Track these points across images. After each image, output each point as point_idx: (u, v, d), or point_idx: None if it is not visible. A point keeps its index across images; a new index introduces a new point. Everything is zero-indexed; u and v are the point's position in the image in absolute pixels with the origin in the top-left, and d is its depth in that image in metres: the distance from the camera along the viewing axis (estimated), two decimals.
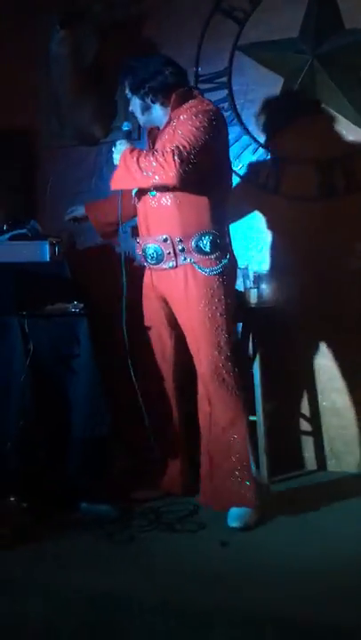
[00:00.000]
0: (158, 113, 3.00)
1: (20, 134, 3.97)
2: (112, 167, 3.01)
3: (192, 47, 3.65)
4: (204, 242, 2.90)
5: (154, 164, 2.78)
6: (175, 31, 3.70)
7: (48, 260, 3.20)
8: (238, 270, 3.39)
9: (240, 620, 2.15)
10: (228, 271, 2.96)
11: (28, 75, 3.96)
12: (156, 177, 2.78)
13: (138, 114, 3.05)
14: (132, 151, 2.88)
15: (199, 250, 2.91)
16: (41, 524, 2.81)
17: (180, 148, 2.74)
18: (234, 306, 3.02)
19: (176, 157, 2.72)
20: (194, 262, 2.92)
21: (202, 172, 2.81)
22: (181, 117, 2.88)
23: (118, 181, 2.94)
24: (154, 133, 3.08)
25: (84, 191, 3.90)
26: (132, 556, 2.61)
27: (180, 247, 2.92)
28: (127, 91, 3.03)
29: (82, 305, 3.05)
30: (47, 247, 3.20)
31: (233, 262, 3.00)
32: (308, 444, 3.61)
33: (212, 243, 2.90)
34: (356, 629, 2.06)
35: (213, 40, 3.62)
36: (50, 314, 3.03)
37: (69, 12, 3.60)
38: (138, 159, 2.83)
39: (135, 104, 3.03)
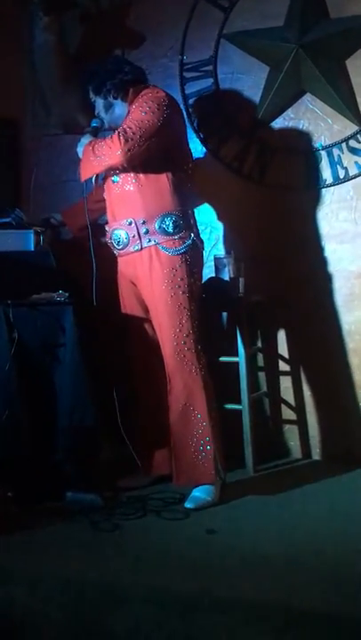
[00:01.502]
0: (120, 109, 3.14)
1: (4, 123, 3.94)
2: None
3: (177, 35, 3.64)
4: (167, 223, 3.01)
5: (104, 147, 2.95)
6: (160, 19, 3.69)
7: (33, 249, 3.19)
8: (225, 259, 3.42)
9: (226, 607, 2.16)
10: (192, 252, 3.07)
11: (12, 62, 3.92)
12: (107, 159, 2.94)
13: (102, 114, 3.19)
14: (90, 143, 3.03)
15: (162, 231, 3.02)
16: (26, 512, 2.82)
17: (126, 129, 2.91)
18: (198, 285, 3.10)
19: (121, 137, 2.89)
20: (158, 243, 3.03)
21: (154, 153, 2.96)
22: (134, 106, 3.02)
23: (83, 172, 3.07)
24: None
25: (70, 180, 3.88)
26: (117, 544, 2.62)
27: (144, 229, 3.02)
28: (91, 94, 3.17)
29: (67, 294, 3.04)
30: (32, 236, 3.20)
31: (197, 243, 3.11)
32: (293, 433, 3.63)
33: (174, 223, 3.02)
34: (342, 615, 2.07)
35: (198, 28, 3.61)
36: (35, 303, 3.02)
37: None
38: (93, 147, 2.99)
39: (99, 105, 3.18)
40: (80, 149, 3.09)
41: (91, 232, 3.21)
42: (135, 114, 2.96)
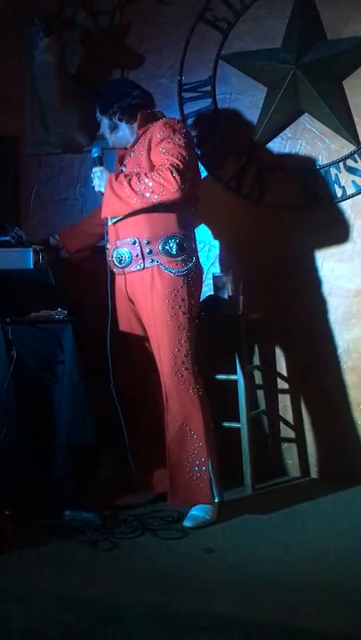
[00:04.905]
0: (125, 132, 3.19)
1: (4, 141, 3.97)
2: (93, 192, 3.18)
3: (176, 56, 3.68)
4: (171, 244, 3.03)
5: (150, 184, 2.92)
6: (159, 40, 3.73)
7: (32, 267, 3.20)
8: (224, 278, 3.44)
9: (225, 625, 2.15)
10: (194, 274, 3.08)
11: (13, 82, 3.96)
12: (156, 196, 2.92)
13: (107, 134, 3.25)
14: (117, 177, 3.01)
15: (166, 252, 3.03)
16: (24, 530, 2.80)
17: (175, 165, 2.90)
18: (197, 307, 3.11)
19: (175, 174, 2.88)
20: (160, 264, 3.03)
21: None
22: (158, 135, 3.03)
23: (110, 210, 3.06)
24: (120, 152, 3.24)
25: (69, 198, 3.91)
26: (115, 563, 2.61)
27: (148, 249, 3.03)
28: (98, 113, 3.23)
29: (66, 312, 3.05)
30: (31, 254, 3.20)
31: (198, 266, 3.13)
32: (291, 452, 3.62)
33: (178, 245, 3.04)
34: (341, 634, 2.07)
35: (197, 49, 3.65)
36: (34, 320, 3.03)
37: (54, 20, 3.61)
38: (130, 184, 2.96)
39: (104, 124, 3.23)
40: (101, 183, 3.05)
41: (90, 254, 3.23)
42: (170, 147, 2.96)
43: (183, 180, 2.90)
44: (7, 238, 3.29)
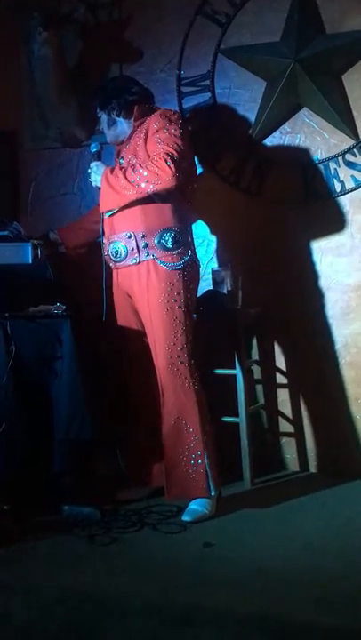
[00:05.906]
0: (123, 126, 3.21)
1: (3, 135, 3.97)
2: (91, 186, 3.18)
3: (175, 50, 3.66)
4: (167, 238, 3.03)
5: (145, 173, 2.91)
6: (158, 34, 3.71)
7: (30, 261, 3.20)
8: (222, 272, 3.44)
9: (223, 620, 2.15)
10: (190, 268, 3.08)
11: (12, 76, 3.95)
12: (151, 185, 2.92)
13: (105, 129, 3.26)
14: (112, 171, 3.02)
15: (162, 246, 3.03)
16: (23, 526, 2.81)
17: (170, 153, 2.90)
18: (194, 301, 3.12)
19: (170, 163, 2.88)
20: (156, 257, 3.03)
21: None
22: (154, 125, 3.04)
23: (107, 203, 3.05)
24: (119, 147, 3.25)
25: (68, 193, 3.91)
26: (114, 557, 2.61)
27: (143, 243, 3.03)
28: (97, 110, 3.25)
29: (64, 306, 3.05)
30: (30, 249, 3.20)
31: (195, 260, 3.13)
32: (290, 446, 3.63)
33: (174, 239, 3.04)
34: (339, 628, 2.07)
35: (196, 43, 3.64)
36: (32, 315, 3.03)
37: (52, 14, 3.60)
38: (125, 175, 2.96)
39: (103, 120, 3.24)
40: (98, 177, 3.05)
41: (88, 250, 3.22)
42: (165, 137, 2.97)
43: (178, 169, 2.89)
44: (6, 233, 3.29)
